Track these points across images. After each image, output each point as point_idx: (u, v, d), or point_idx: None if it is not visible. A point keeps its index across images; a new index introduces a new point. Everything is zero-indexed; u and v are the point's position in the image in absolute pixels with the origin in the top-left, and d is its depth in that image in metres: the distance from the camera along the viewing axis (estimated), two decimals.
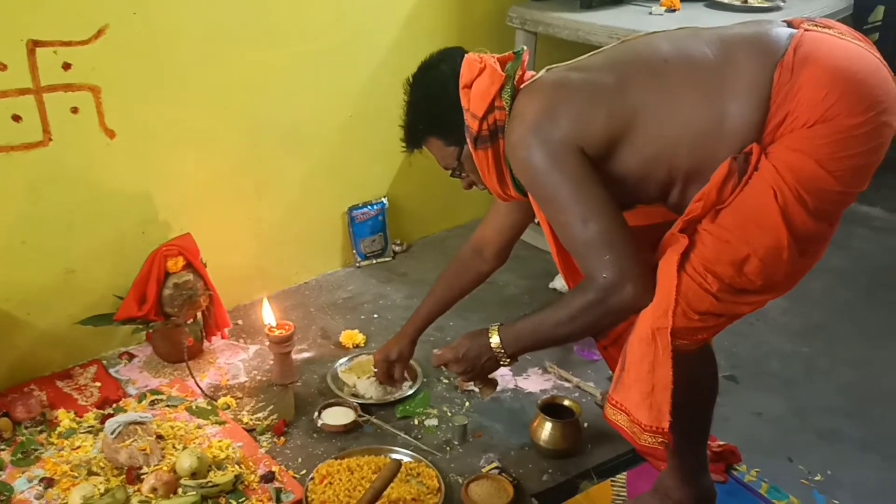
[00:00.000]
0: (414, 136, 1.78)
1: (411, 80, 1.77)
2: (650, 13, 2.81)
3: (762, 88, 1.47)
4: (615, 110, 1.55)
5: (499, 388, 2.20)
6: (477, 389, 1.89)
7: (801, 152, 1.44)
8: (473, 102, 1.66)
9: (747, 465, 2.08)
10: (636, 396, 1.57)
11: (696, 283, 1.51)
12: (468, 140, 1.69)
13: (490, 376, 1.83)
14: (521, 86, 1.68)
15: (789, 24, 1.58)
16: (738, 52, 1.52)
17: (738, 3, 2.90)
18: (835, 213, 1.53)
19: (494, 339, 1.68)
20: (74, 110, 2.23)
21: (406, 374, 2.33)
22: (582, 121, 1.55)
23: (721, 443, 2.10)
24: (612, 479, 2.05)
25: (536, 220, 1.79)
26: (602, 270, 1.52)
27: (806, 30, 1.52)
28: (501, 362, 1.71)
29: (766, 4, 2.92)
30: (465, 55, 1.71)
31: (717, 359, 1.80)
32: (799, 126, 1.45)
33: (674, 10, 2.83)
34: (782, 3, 2.94)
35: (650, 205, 1.68)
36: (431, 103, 1.73)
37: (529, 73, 1.71)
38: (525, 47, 1.78)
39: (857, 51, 1.50)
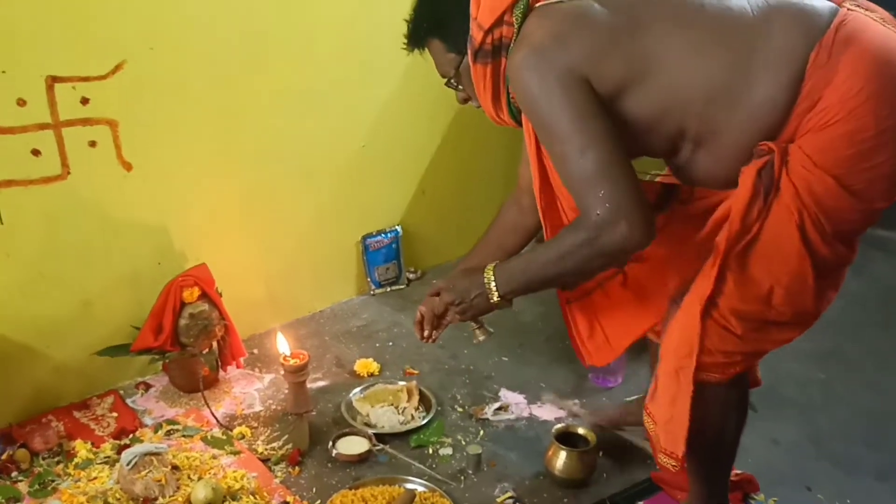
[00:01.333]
0: (416, 34, 1.69)
1: None
2: None
3: (796, 65, 1.39)
4: (633, 52, 1.46)
5: (513, 416, 2.19)
6: (480, 338, 1.86)
7: (821, 169, 1.38)
8: (482, 12, 1.55)
9: (765, 494, 2.06)
10: (661, 417, 1.61)
11: (721, 327, 1.50)
12: (468, 51, 1.60)
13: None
14: (537, 4, 1.55)
15: None
16: (778, 19, 1.42)
17: None
18: (854, 231, 1.48)
19: (488, 275, 1.65)
20: (92, 144, 2.26)
21: (420, 405, 2.35)
22: (595, 55, 1.45)
23: (738, 471, 2.07)
24: None
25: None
26: (596, 206, 1.43)
27: (849, 9, 1.44)
28: (492, 299, 1.66)
29: None
30: None
31: None
32: (823, 123, 1.38)
33: None
34: None
35: (655, 158, 1.60)
36: (439, 4, 1.64)
37: None
38: None
39: None
